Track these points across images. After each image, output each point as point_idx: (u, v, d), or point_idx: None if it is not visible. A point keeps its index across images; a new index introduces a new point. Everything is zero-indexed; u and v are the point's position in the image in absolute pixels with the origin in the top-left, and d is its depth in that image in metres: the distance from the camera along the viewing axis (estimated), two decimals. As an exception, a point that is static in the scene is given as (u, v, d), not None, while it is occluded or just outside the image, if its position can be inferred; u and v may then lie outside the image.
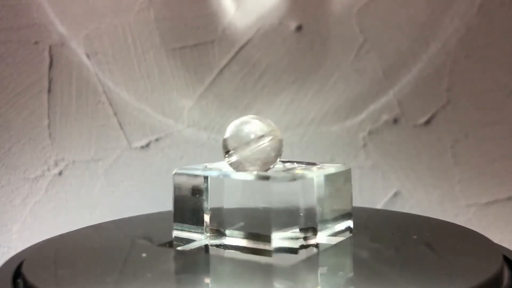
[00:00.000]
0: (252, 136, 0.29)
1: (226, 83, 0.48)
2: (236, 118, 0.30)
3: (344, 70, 0.48)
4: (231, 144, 0.29)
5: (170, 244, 0.31)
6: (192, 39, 0.47)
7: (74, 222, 0.47)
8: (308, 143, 0.48)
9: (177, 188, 0.31)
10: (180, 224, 0.31)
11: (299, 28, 0.48)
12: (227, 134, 0.30)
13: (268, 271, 0.26)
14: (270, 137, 0.29)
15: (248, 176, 0.28)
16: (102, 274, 0.26)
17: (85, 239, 0.33)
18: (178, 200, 0.31)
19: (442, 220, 0.37)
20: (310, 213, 0.29)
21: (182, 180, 0.31)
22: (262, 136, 0.29)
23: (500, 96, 0.47)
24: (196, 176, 0.30)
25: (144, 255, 0.30)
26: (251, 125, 0.29)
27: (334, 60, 0.48)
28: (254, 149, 0.29)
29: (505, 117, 0.47)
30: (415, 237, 0.31)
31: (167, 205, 0.48)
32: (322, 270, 0.27)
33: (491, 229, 0.48)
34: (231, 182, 0.29)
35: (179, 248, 0.30)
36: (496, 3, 0.47)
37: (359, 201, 0.48)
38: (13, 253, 0.31)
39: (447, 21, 0.47)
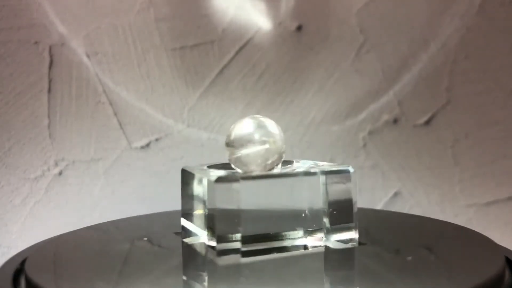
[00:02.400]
0: (251, 138, 0.29)
1: (226, 83, 0.48)
2: (236, 118, 0.31)
3: (344, 70, 0.48)
4: (231, 144, 0.29)
5: (170, 244, 0.31)
6: (192, 39, 0.47)
7: (74, 222, 0.47)
8: (308, 143, 0.48)
9: (183, 186, 0.31)
10: (186, 222, 0.31)
11: (299, 28, 0.48)
12: (228, 134, 0.30)
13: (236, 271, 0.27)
14: (269, 139, 0.29)
15: (249, 176, 0.28)
16: (102, 274, 0.26)
17: (85, 239, 0.33)
18: (185, 199, 0.31)
19: (444, 221, 0.37)
20: (310, 214, 0.29)
21: (189, 178, 0.31)
22: (260, 138, 0.29)
23: (500, 96, 0.47)
24: (200, 176, 0.30)
25: (145, 239, 0.31)
26: (250, 127, 0.29)
27: (334, 60, 0.48)
28: (253, 150, 0.29)
29: (505, 117, 0.47)
30: (410, 258, 0.29)
31: (167, 206, 0.48)
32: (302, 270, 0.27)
33: (491, 229, 0.48)
34: (231, 182, 0.29)
35: (185, 239, 0.30)
36: (496, 3, 0.47)
37: (359, 201, 0.48)
38: (13, 253, 0.31)
39: (447, 21, 0.47)
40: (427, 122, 0.48)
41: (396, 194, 0.48)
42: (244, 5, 0.47)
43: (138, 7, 0.47)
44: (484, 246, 0.30)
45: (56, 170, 0.47)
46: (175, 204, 0.47)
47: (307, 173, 0.29)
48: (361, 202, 0.48)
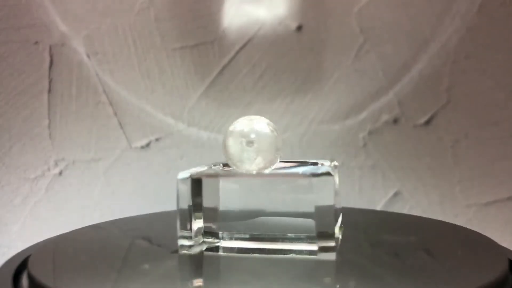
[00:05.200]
0: (238, 139, 0.29)
1: (226, 83, 0.48)
2: (236, 118, 0.31)
3: (344, 70, 0.48)
4: (223, 145, 0.30)
5: (170, 244, 0.31)
6: (192, 39, 0.47)
7: (74, 222, 0.47)
8: (308, 143, 0.48)
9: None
10: (184, 223, 0.31)
11: (299, 28, 0.48)
12: (225, 134, 0.30)
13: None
14: (256, 139, 0.29)
15: (243, 176, 0.28)
16: (102, 273, 0.26)
17: (85, 239, 0.33)
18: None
19: (444, 222, 0.36)
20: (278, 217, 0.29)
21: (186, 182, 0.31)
22: (255, 138, 0.29)
23: (500, 96, 0.47)
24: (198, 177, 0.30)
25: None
26: (240, 127, 0.29)
27: (334, 60, 0.48)
28: (240, 150, 0.29)
29: (505, 117, 0.47)
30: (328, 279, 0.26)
31: (167, 205, 0.48)
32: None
33: (491, 229, 0.48)
34: (226, 182, 0.29)
35: (183, 248, 0.30)
36: (496, 3, 0.47)
37: (359, 201, 0.48)
38: (13, 253, 0.31)
39: (447, 21, 0.47)
40: (427, 122, 0.48)
41: (396, 194, 0.48)
42: (244, 5, 0.47)
43: (138, 7, 0.47)
44: (485, 247, 0.30)
45: (56, 170, 0.47)
46: (175, 204, 0.47)
47: (273, 175, 0.29)
48: (361, 202, 0.48)
